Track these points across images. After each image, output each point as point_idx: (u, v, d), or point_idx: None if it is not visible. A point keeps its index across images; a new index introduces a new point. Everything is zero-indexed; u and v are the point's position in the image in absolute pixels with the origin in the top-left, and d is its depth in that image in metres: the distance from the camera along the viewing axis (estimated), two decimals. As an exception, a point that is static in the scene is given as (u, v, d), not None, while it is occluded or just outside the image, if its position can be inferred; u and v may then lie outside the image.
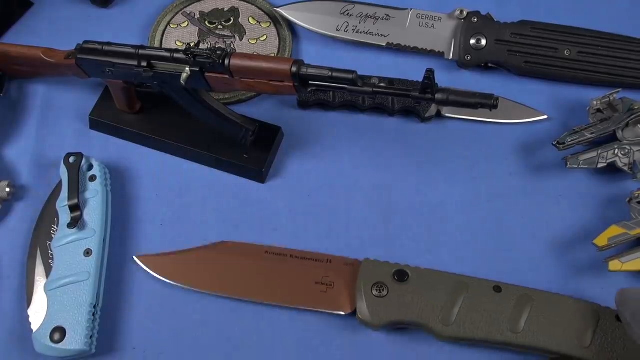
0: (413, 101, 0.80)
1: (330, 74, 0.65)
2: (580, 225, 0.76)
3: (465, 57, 0.84)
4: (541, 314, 0.67)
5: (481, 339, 0.66)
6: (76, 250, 0.70)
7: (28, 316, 0.68)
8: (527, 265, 0.73)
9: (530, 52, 0.83)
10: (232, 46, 0.86)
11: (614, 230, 0.72)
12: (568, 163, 0.77)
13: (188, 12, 0.89)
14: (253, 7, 0.89)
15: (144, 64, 0.72)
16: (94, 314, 0.68)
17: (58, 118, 0.83)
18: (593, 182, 0.79)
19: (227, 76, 0.69)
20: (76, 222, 0.71)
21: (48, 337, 0.66)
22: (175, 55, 0.70)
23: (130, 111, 0.80)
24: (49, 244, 0.72)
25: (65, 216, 0.72)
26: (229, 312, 0.71)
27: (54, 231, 0.73)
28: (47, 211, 0.74)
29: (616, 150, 0.77)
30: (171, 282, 0.71)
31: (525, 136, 0.81)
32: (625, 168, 0.76)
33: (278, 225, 0.76)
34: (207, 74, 0.70)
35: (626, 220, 0.73)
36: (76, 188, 0.73)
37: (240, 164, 0.77)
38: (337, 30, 0.85)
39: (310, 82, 0.68)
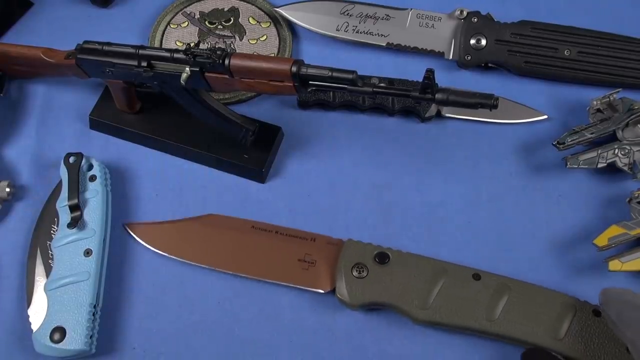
0: (413, 101, 0.80)
1: (330, 74, 0.65)
2: (580, 225, 0.76)
3: (465, 57, 0.84)
4: (518, 304, 0.67)
5: (456, 324, 0.67)
6: (76, 250, 0.70)
7: (28, 316, 0.68)
8: (527, 265, 0.73)
9: (530, 52, 0.83)
10: (232, 46, 0.86)
11: (614, 230, 0.72)
12: (568, 163, 0.77)
13: (188, 12, 0.89)
14: (253, 7, 0.89)
15: (144, 64, 0.72)
16: (94, 314, 0.68)
17: (58, 118, 0.83)
18: (593, 182, 0.79)
19: (227, 76, 0.69)
20: (76, 222, 0.71)
21: (48, 337, 0.66)
22: (175, 55, 0.70)
23: (130, 111, 0.80)
24: (49, 244, 0.72)
25: (65, 216, 0.72)
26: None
27: (54, 231, 0.73)
28: (47, 211, 0.75)
29: (616, 150, 0.77)
30: (157, 251, 0.73)
31: (525, 136, 0.81)
32: (625, 168, 0.76)
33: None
34: (207, 74, 0.70)
35: (626, 220, 0.73)
36: (76, 188, 0.73)
37: (240, 164, 0.77)
38: (337, 30, 0.85)
39: (310, 82, 0.68)
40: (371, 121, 0.82)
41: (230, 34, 0.87)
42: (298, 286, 0.71)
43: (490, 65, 0.85)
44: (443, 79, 0.79)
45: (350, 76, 0.65)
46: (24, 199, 0.77)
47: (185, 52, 0.69)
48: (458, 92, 0.66)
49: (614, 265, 0.71)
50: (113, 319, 0.70)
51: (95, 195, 0.74)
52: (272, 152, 0.78)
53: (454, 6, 0.84)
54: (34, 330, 0.67)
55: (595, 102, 0.79)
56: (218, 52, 0.68)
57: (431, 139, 0.81)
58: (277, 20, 0.88)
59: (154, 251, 0.73)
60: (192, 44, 0.70)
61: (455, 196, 0.78)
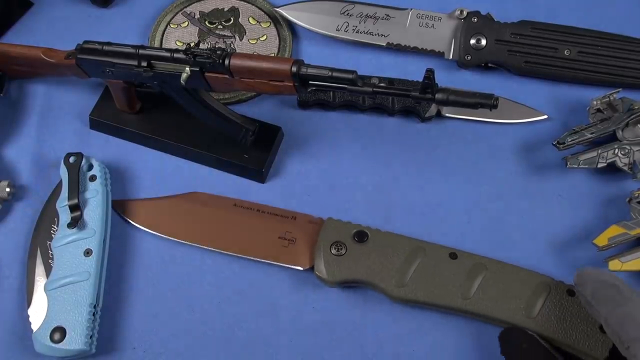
0: (413, 101, 0.80)
1: (330, 73, 0.65)
2: (580, 225, 0.76)
3: (465, 57, 0.84)
4: (493, 282, 0.68)
5: (432, 302, 0.68)
6: (76, 250, 0.70)
7: (28, 316, 0.68)
8: (527, 265, 0.73)
9: (530, 52, 0.83)
10: (232, 46, 0.86)
11: (614, 230, 0.72)
12: (568, 163, 0.77)
13: (188, 12, 0.89)
14: (253, 7, 0.89)
15: (144, 63, 0.72)
16: (94, 314, 0.68)
17: (58, 118, 0.83)
18: (593, 182, 0.79)
19: (227, 76, 0.69)
20: (76, 222, 0.71)
21: (48, 337, 0.66)
22: (175, 55, 0.70)
23: (130, 111, 0.80)
24: (49, 244, 0.72)
25: (65, 216, 0.72)
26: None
27: (54, 231, 0.73)
28: (47, 211, 0.75)
29: (616, 150, 0.77)
30: (141, 228, 0.74)
31: (525, 136, 0.81)
32: (625, 168, 0.76)
33: (278, 225, 0.76)
34: (207, 74, 0.70)
35: (626, 220, 0.73)
36: (76, 188, 0.73)
37: (240, 164, 0.77)
38: (337, 30, 0.85)
39: (310, 82, 0.68)
40: (371, 121, 0.82)
41: (230, 34, 0.87)
42: (278, 263, 0.72)
43: (490, 65, 0.85)
44: (443, 79, 0.79)
45: (350, 76, 0.65)
46: (24, 199, 0.77)
47: (185, 52, 0.69)
48: (458, 92, 0.66)
49: (614, 265, 0.71)
50: (113, 319, 0.71)
51: (95, 195, 0.74)
52: (272, 152, 0.78)
53: (454, 6, 0.84)
54: (34, 330, 0.67)
55: (595, 102, 0.79)
56: (218, 52, 0.68)
57: (431, 139, 0.81)
58: (277, 20, 0.88)
59: (140, 229, 0.75)
60: (192, 44, 0.70)
61: (455, 196, 0.78)
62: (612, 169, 0.77)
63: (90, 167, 0.76)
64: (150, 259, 0.74)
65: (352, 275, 0.69)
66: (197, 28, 0.88)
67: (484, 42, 0.83)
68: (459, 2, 0.84)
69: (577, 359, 0.66)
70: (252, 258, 0.73)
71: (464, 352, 0.69)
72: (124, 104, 0.80)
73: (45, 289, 0.69)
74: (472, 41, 0.83)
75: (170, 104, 0.76)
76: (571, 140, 0.77)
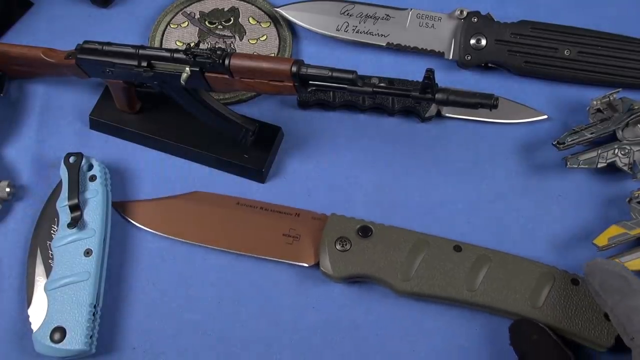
0: (413, 101, 0.80)
1: (330, 73, 0.65)
2: (580, 225, 0.76)
3: (465, 57, 0.84)
4: (497, 274, 0.69)
5: (438, 295, 0.69)
6: (76, 250, 0.70)
7: (28, 316, 0.69)
8: (527, 265, 0.73)
9: (530, 52, 0.83)
10: (232, 46, 0.86)
11: (614, 230, 0.72)
12: (568, 163, 0.77)
13: (188, 12, 0.89)
14: (253, 7, 0.89)
15: (144, 64, 0.72)
16: (94, 314, 0.68)
17: (58, 118, 0.83)
18: (593, 182, 0.79)
19: (227, 76, 0.69)
20: (76, 222, 0.71)
21: (48, 337, 0.66)
22: (176, 55, 0.70)
23: (130, 111, 0.80)
24: (49, 244, 0.72)
25: (65, 216, 0.72)
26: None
27: (54, 231, 0.73)
28: (47, 211, 0.75)
29: (616, 150, 0.77)
30: (143, 228, 0.74)
31: (525, 136, 0.81)
32: (625, 168, 0.76)
33: (278, 225, 0.76)
34: (207, 74, 0.70)
35: (626, 220, 0.73)
36: (76, 188, 0.73)
37: (240, 164, 0.77)
38: (337, 30, 0.85)
39: (310, 82, 0.68)
40: (371, 121, 0.82)
41: (230, 34, 0.87)
42: (282, 260, 0.72)
43: (490, 65, 0.85)
44: (443, 79, 0.79)
45: (350, 76, 0.65)
46: (24, 199, 0.77)
47: (185, 52, 0.69)
48: (458, 92, 0.66)
49: None
50: (113, 319, 0.71)
51: (95, 195, 0.74)
52: (272, 152, 0.78)
53: (454, 6, 0.84)
54: (34, 330, 0.67)
55: (595, 102, 0.79)
56: (218, 52, 0.68)
57: (431, 139, 0.81)
58: (277, 20, 0.88)
59: (141, 229, 0.74)
60: (192, 44, 0.70)
61: (455, 196, 0.78)
62: (612, 169, 0.77)
63: (90, 167, 0.76)
64: (150, 258, 0.74)
65: (357, 270, 0.70)
66: (197, 28, 0.88)
67: (484, 42, 0.83)
68: (459, 2, 0.84)
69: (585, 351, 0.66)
70: (256, 256, 0.73)
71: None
72: (124, 104, 0.79)
73: (45, 289, 0.69)
74: (472, 41, 0.83)
75: (170, 104, 0.76)
76: (571, 140, 0.77)
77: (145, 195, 0.78)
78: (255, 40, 0.87)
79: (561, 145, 0.77)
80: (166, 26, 0.88)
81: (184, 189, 0.78)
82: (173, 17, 0.88)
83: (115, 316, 0.71)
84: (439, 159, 0.80)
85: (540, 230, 0.76)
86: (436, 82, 0.67)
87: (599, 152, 0.77)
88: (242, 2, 0.89)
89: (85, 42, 0.75)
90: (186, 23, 0.88)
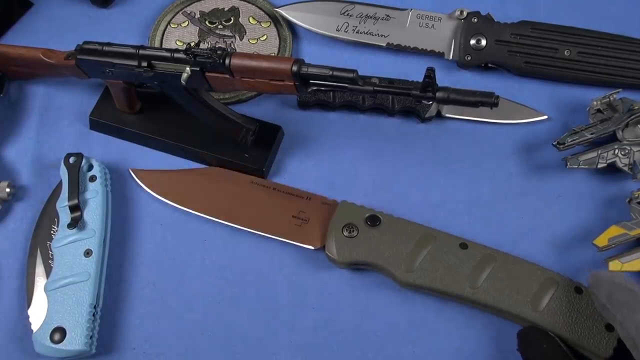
0: (413, 101, 0.80)
1: (330, 73, 0.65)
2: (580, 225, 0.76)
3: (465, 57, 0.84)
4: (501, 274, 0.69)
5: (439, 289, 0.69)
6: (76, 251, 0.70)
7: (28, 316, 0.68)
8: (528, 265, 0.73)
9: (530, 52, 0.83)
10: (232, 46, 0.86)
11: (614, 231, 0.72)
12: (568, 163, 0.77)
13: (188, 12, 0.89)
14: (253, 6, 0.89)
15: (144, 64, 0.72)
16: (94, 314, 0.68)
17: (58, 118, 0.83)
18: (593, 182, 0.79)
19: (227, 76, 0.69)
20: (76, 223, 0.71)
21: (48, 338, 0.66)
22: (176, 55, 0.70)
23: (130, 111, 0.80)
24: (49, 244, 0.72)
25: (65, 216, 0.72)
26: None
27: (54, 231, 0.73)
28: (47, 211, 0.74)
29: (616, 151, 0.77)
30: (159, 198, 0.76)
31: (525, 136, 0.81)
32: (625, 168, 0.76)
33: (278, 225, 0.76)
34: (207, 74, 0.70)
35: (626, 220, 0.73)
36: (76, 188, 0.73)
37: (241, 163, 0.77)
38: (337, 30, 0.86)
39: (310, 81, 0.68)
40: (371, 121, 0.82)
41: (230, 34, 0.87)
42: (289, 241, 0.73)
43: (490, 65, 0.85)
44: (443, 79, 0.79)
45: (350, 75, 0.65)
46: (24, 199, 0.77)
47: (185, 51, 0.69)
48: (459, 91, 0.66)
49: (614, 265, 0.71)
50: (113, 319, 0.70)
51: (95, 195, 0.74)
52: (272, 152, 0.78)
53: (454, 6, 0.84)
54: (34, 331, 0.67)
55: (595, 103, 0.79)
56: (218, 52, 0.68)
57: (431, 139, 0.81)
58: (277, 20, 0.88)
59: (156, 197, 0.76)
60: (192, 44, 0.70)
61: (455, 196, 0.78)
62: (612, 169, 0.77)
63: (90, 167, 0.76)
64: (151, 258, 0.74)
65: (362, 257, 0.70)
66: (198, 28, 0.88)
67: (484, 42, 0.83)
68: (459, 2, 0.84)
69: None
70: (263, 234, 0.73)
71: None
72: (124, 104, 0.79)
73: (45, 289, 0.69)
74: (472, 41, 0.83)
75: (170, 104, 0.76)
76: (571, 141, 0.77)
77: (145, 195, 0.77)
78: (256, 40, 0.87)
79: (561, 146, 0.77)
80: (166, 26, 0.88)
81: (184, 189, 0.78)
82: (173, 17, 0.88)
83: (115, 316, 0.71)
84: (439, 159, 0.80)
85: (540, 231, 0.76)
86: (436, 82, 0.67)
87: (599, 152, 0.77)
88: (242, 1, 0.89)
89: (85, 42, 0.75)
90: (186, 23, 0.88)
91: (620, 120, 0.78)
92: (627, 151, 0.76)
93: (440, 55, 0.85)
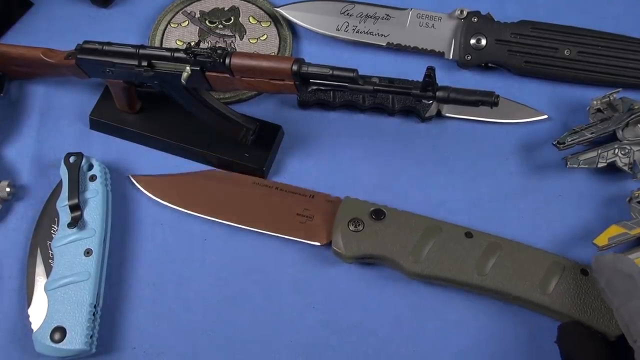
0: (413, 101, 0.80)
1: (331, 72, 0.65)
2: (580, 225, 0.76)
3: (466, 57, 0.84)
4: (508, 260, 0.69)
5: (448, 278, 0.69)
6: (76, 250, 0.70)
7: (28, 316, 0.68)
8: (528, 265, 0.73)
9: (531, 52, 0.83)
10: (232, 45, 0.86)
11: (614, 230, 0.73)
12: (568, 163, 0.77)
13: (188, 12, 0.89)
14: (253, 6, 0.89)
15: (145, 63, 0.72)
16: (94, 314, 0.68)
17: (58, 118, 0.82)
18: (593, 182, 0.79)
19: (227, 75, 0.69)
20: (76, 222, 0.71)
21: (48, 337, 0.66)
22: (176, 54, 0.70)
23: (130, 111, 0.80)
24: (49, 244, 0.72)
25: (65, 216, 0.72)
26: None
27: (54, 231, 0.73)
28: (47, 211, 0.74)
29: (616, 150, 0.77)
30: (162, 202, 0.75)
31: (525, 136, 0.81)
32: (625, 168, 0.76)
33: (278, 224, 0.76)
34: (207, 73, 0.70)
35: (626, 219, 0.73)
36: (76, 188, 0.73)
37: (241, 163, 0.77)
38: (337, 30, 0.86)
39: (311, 80, 0.68)
40: (371, 121, 0.82)
41: (230, 33, 0.87)
42: (295, 238, 0.73)
43: (490, 65, 0.85)
44: (443, 78, 0.79)
45: (351, 74, 0.65)
46: (24, 199, 0.77)
47: (185, 51, 0.69)
48: (459, 90, 0.66)
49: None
50: (113, 319, 0.70)
51: (95, 195, 0.74)
52: (272, 151, 0.78)
53: (454, 6, 0.84)
54: (34, 330, 0.67)
55: (595, 102, 0.79)
56: (219, 51, 0.68)
57: (431, 139, 0.81)
58: (277, 20, 0.88)
59: (161, 203, 0.75)
60: (192, 43, 0.70)
61: (455, 196, 0.78)
62: (612, 169, 0.77)
63: (91, 167, 0.76)
64: (151, 258, 0.74)
65: (369, 250, 0.70)
66: (198, 27, 0.88)
67: (484, 42, 0.83)
68: (459, 2, 0.84)
69: None
70: (268, 233, 0.73)
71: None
72: (124, 104, 0.79)
73: (46, 288, 0.69)
74: (472, 41, 0.83)
75: (170, 104, 0.76)
76: (571, 140, 0.77)
77: (144, 195, 0.77)
78: (256, 40, 0.87)
79: (561, 145, 0.77)
80: (166, 25, 0.88)
81: (184, 189, 0.78)
82: (173, 17, 0.88)
83: (115, 316, 0.71)
84: (439, 159, 0.80)
85: (540, 230, 0.76)
86: (436, 81, 0.67)
87: (599, 152, 0.77)
88: (242, 1, 0.89)
89: (85, 42, 0.75)
90: (186, 22, 0.88)
91: (620, 119, 0.78)
92: (627, 151, 0.77)
93: (440, 54, 0.85)
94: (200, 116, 0.75)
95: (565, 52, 0.82)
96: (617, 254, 0.70)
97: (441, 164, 0.80)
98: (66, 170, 0.74)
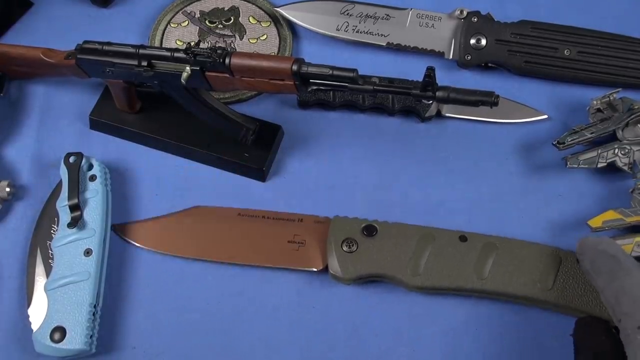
0: (413, 100, 0.80)
1: (330, 72, 0.65)
2: (580, 225, 0.76)
3: (465, 57, 0.84)
4: (505, 260, 0.69)
5: (449, 287, 0.69)
6: (76, 250, 0.70)
7: (28, 316, 0.68)
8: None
9: (530, 52, 0.83)
10: (232, 45, 0.86)
11: (610, 215, 0.73)
12: (568, 163, 0.77)
13: (188, 11, 0.89)
14: (253, 6, 0.89)
15: (144, 63, 0.72)
16: (94, 314, 0.68)
17: (58, 118, 0.82)
18: (593, 181, 0.79)
19: (227, 75, 0.69)
20: (76, 222, 0.71)
21: (48, 337, 0.66)
22: (176, 54, 0.70)
23: (130, 111, 0.80)
24: (49, 244, 0.72)
25: (65, 216, 0.72)
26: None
27: (54, 231, 0.73)
28: (47, 211, 0.74)
29: (616, 150, 0.77)
30: (147, 249, 0.73)
31: (525, 136, 0.81)
32: (625, 168, 0.76)
33: (278, 224, 0.76)
34: (207, 73, 0.70)
35: (625, 207, 0.73)
36: (76, 188, 0.73)
37: (241, 163, 0.77)
38: (337, 30, 0.86)
39: (310, 80, 0.68)
40: (371, 121, 0.82)
41: (230, 33, 0.87)
42: (290, 267, 0.72)
43: (490, 65, 0.85)
44: (443, 78, 0.79)
45: (350, 74, 0.65)
46: (24, 199, 0.77)
47: (185, 51, 0.69)
48: (459, 90, 0.66)
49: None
50: (113, 319, 0.70)
51: (95, 195, 0.74)
52: (272, 151, 0.78)
53: (454, 6, 0.84)
54: (34, 330, 0.67)
55: (595, 102, 0.79)
56: (219, 51, 0.68)
57: (431, 139, 0.81)
58: (277, 20, 0.88)
59: (146, 249, 0.74)
60: (192, 43, 0.70)
61: (455, 196, 0.78)
62: (612, 169, 0.77)
63: (90, 167, 0.76)
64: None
65: (367, 270, 0.70)
66: (198, 27, 0.88)
67: (484, 42, 0.83)
68: (459, 2, 0.84)
69: None
70: (263, 266, 0.72)
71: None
72: (124, 103, 0.79)
73: (45, 288, 0.69)
74: (472, 41, 0.83)
75: (170, 104, 0.76)
76: (571, 140, 0.77)
77: (145, 195, 0.78)
78: (256, 40, 0.87)
79: (561, 145, 0.77)
80: (166, 25, 0.88)
81: (184, 189, 0.78)
82: (173, 17, 0.88)
83: (115, 316, 0.71)
84: (439, 159, 0.80)
85: (540, 230, 0.75)
86: (436, 81, 0.67)
87: (599, 152, 0.77)
88: (242, 1, 0.89)
89: (85, 42, 0.75)
90: (186, 22, 0.88)
91: (620, 119, 0.78)
92: (627, 150, 0.76)
93: (440, 54, 0.85)
94: (200, 116, 0.75)
95: (565, 52, 0.82)
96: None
97: (441, 164, 0.80)
98: (66, 170, 0.74)
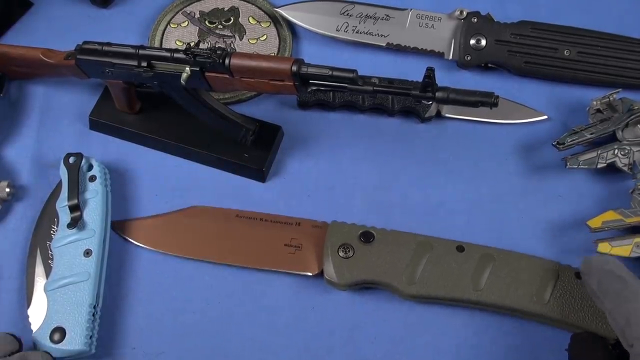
0: (413, 101, 0.80)
1: (330, 72, 0.65)
2: (580, 226, 0.76)
3: (465, 57, 0.84)
4: (502, 272, 0.69)
5: (444, 296, 0.68)
6: (76, 251, 0.70)
7: (28, 316, 0.68)
8: (528, 265, 0.73)
9: (530, 52, 0.83)
10: (232, 46, 0.86)
11: (610, 215, 0.73)
12: (568, 163, 0.77)
13: (188, 12, 0.89)
14: (253, 6, 0.89)
15: (144, 64, 0.72)
16: (94, 314, 0.68)
17: (58, 118, 0.82)
18: (593, 182, 0.79)
19: (227, 76, 0.69)
20: (76, 223, 0.71)
21: (48, 337, 0.66)
22: (176, 55, 0.70)
23: (130, 111, 0.80)
24: (49, 244, 0.72)
25: (65, 216, 0.72)
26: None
27: (53, 231, 0.73)
28: (47, 211, 0.74)
29: (616, 151, 0.77)
30: (144, 246, 0.73)
31: (525, 136, 0.81)
32: (625, 168, 0.76)
33: (278, 225, 0.76)
34: (207, 74, 0.70)
35: (624, 208, 0.73)
36: (76, 188, 0.73)
37: (240, 163, 0.77)
38: (337, 30, 0.86)
39: (310, 81, 0.68)
40: (371, 121, 0.82)
41: (230, 34, 0.87)
42: (286, 271, 0.71)
43: (490, 65, 0.85)
44: (443, 79, 0.79)
45: (350, 75, 0.65)
46: (24, 199, 0.77)
47: (185, 51, 0.69)
48: (459, 91, 0.66)
49: (603, 247, 0.72)
50: (113, 319, 0.70)
51: (95, 195, 0.74)
52: (272, 152, 0.78)
53: (454, 6, 0.84)
54: (34, 331, 0.67)
55: (595, 103, 0.79)
56: (218, 52, 0.68)
57: (431, 139, 0.81)
58: (277, 20, 0.88)
59: (143, 247, 0.74)
60: (192, 44, 0.70)
61: (455, 196, 0.78)
62: (612, 170, 0.77)
63: (90, 167, 0.76)
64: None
65: (362, 277, 0.69)
66: (197, 28, 0.88)
67: (484, 42, 0.83)
68: (459, 2, 0.84)
69: None
70: (259, 268, 0.72)
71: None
72: (123, 104, 0.79)
73: (45, 289, 0.69)
74: (472, 41, 0.83)
75: (170, 104, 0.76)
76: (571, 141, 0.77)
77: (145, 195, 0.78)
78: (255, 40, 0.87)
79: (561, 146, 0.77)
80: (166, 26, 0.88)
81: (184, 189, 0.78)
82: (173, 17, 0.88)
83: (115, 316, 0.71)
84: (438, 159, 0.80)
85: (540, 231, 0.75)
86: (436, 81, 0.67)
87: (599, 152, 0.77)
88: (242, 1, 0.89)
89: (85, 42, 0.75)
90: (186, 23, 0.88)
91: (620, 120, 0.78)
92: (626, 151, 0.76)
93: (440, 55, 0.85)
94: (200, 117, 0.75)
95: (565, 53, 0.82)
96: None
97: (441, 164, 0.80)
98: (66, 171, 0.74)
